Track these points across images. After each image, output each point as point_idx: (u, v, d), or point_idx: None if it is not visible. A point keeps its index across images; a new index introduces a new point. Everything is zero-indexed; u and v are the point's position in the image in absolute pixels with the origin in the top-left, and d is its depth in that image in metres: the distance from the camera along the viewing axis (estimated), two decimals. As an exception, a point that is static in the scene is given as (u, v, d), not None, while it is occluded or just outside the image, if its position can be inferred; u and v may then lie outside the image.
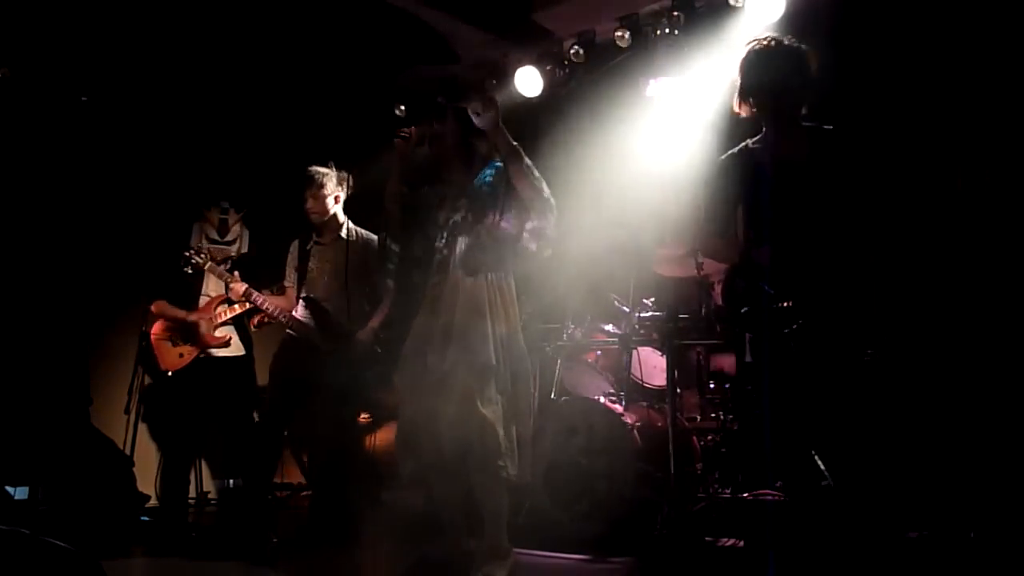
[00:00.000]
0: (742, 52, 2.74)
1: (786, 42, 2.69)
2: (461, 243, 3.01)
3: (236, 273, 4.22)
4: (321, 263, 4.08)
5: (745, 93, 2.74)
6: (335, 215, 4.15)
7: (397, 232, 3.20)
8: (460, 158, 3.13)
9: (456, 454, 2.83)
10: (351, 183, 4.18)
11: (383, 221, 3.22)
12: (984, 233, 3.92)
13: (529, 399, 3.06)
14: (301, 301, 4.13)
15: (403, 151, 3.13)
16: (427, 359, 2.92)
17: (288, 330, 4.10)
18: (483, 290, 2.93)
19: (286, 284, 4.28)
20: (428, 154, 3.17)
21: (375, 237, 4.15)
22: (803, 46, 2.68)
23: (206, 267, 4.19)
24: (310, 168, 4.10)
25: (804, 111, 2.72)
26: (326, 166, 4.09)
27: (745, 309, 2.70)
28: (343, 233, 4.18)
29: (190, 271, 4.18)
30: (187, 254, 4.17)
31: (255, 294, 4.08)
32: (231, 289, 4.16)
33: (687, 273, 4.13)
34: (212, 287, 4.45)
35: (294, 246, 4.34)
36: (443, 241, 3.05)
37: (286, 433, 5.52)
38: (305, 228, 4.39)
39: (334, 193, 4.12)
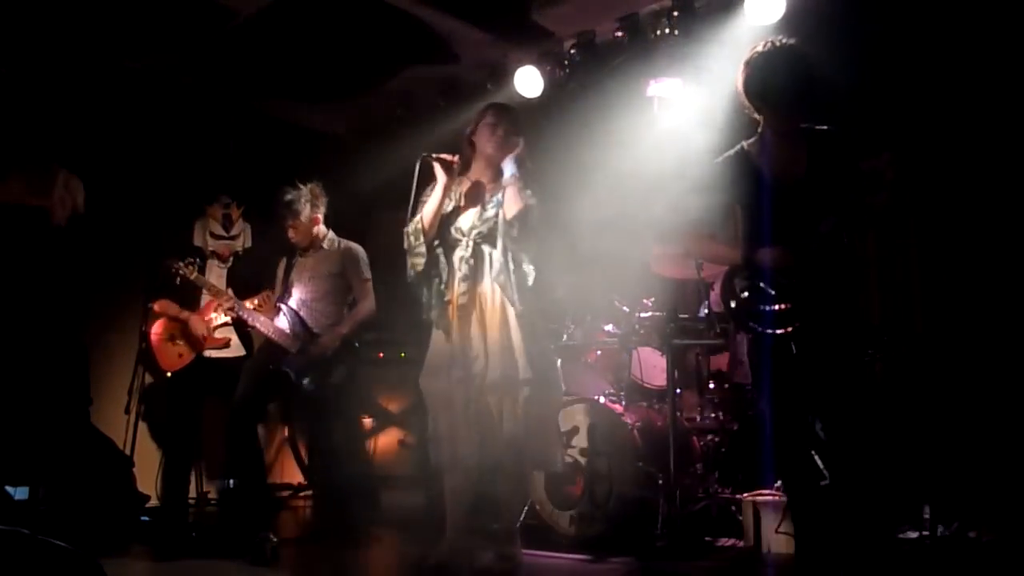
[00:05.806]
0: (746, 55, 2.74)
1: (787, 44, 2.68)
2: (487, 253, 3.05)
3: (230, 290, 4.24)
4: (300, 272, 4.18)
5: (746, 96, 2.74)
6: (316, 233, 4.19)
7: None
8: (496, 163, 3.14)
9: (508, 454, 2.98)
10: (323, 193, 4.18)
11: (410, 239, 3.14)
12: (984, 232, 3.92)
13: (560, 404, 3.35)
14: (280, 307, 4.15)
15: (448, 178, 3.10)
16: (460, 369, 2.99)
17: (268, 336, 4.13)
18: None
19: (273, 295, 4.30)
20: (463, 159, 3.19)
21: (355, 245, 4.25)
22: (803, 48, 2.68)
23: (192, 277, 4.16)
24: (285, 197, 4.09)
25: (805, 113, 2.72)
26: (295, 188, 4.09)
27: (735, 306, 2.70)
28: (325, 245, 4.23)
29: (178, 282, 4.17)
30: (175, 267, 4.13)
31: (243, 311, 4.10)
32: (221, 306, 4.19)
33: (687, 274, 4.13)
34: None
35: (282, 262, 4.36)
36: (468, 250, 3.05)
37: (287, 433, 5.57)
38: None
39: (311, 216, 4.15)
